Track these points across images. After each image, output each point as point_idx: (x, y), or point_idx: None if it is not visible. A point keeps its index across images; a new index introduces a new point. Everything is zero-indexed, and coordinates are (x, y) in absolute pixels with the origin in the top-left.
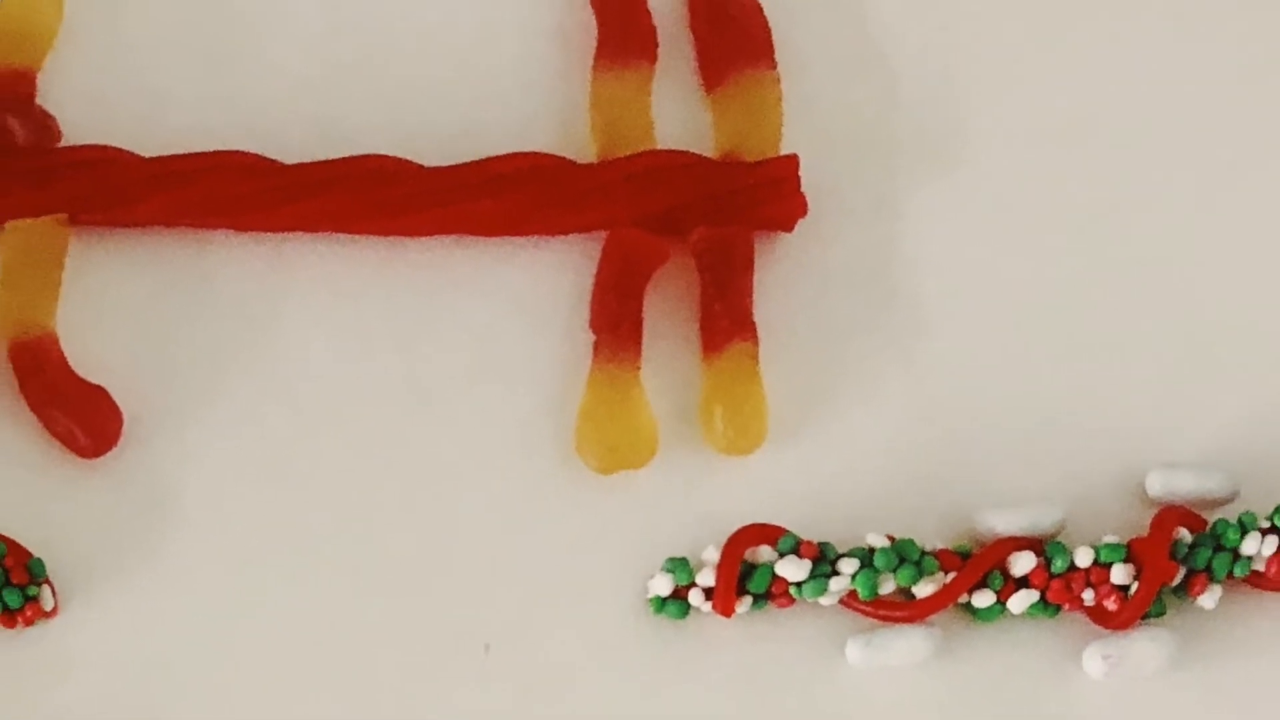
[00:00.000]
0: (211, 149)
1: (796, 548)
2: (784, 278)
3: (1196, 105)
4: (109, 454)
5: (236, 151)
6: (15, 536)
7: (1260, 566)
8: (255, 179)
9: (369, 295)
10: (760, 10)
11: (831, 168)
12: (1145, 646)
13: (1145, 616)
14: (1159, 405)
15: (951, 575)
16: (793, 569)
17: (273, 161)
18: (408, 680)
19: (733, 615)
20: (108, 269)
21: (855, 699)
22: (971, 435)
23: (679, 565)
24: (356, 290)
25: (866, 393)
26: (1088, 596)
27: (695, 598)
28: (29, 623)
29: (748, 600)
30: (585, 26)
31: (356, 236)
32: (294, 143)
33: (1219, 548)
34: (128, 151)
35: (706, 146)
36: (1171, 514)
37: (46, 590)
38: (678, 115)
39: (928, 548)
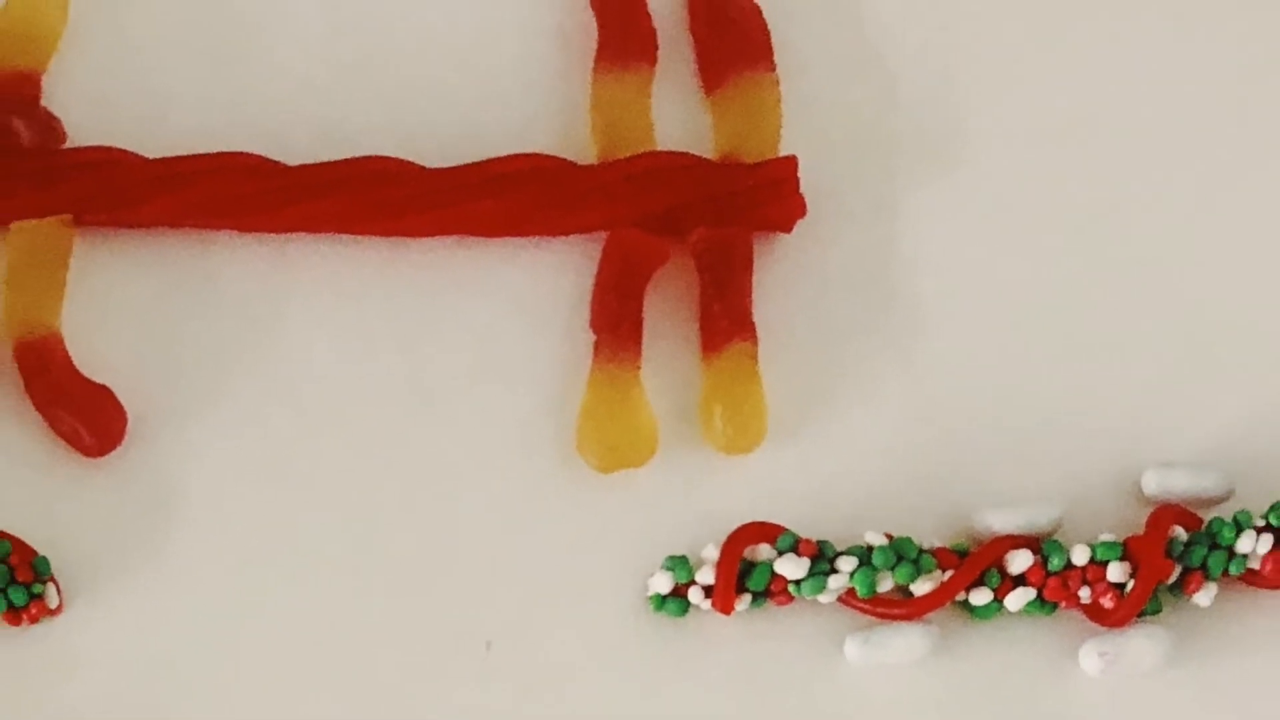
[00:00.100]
0: (215, 150)
1: (795, 546)
2: (783, 278)
3: (1194, 106)
4: (113, 453)
5: (240, 153)
6: (20, 534)
7: (1255, 564)
8: (258, 180)
9: (371, 295)
10: (759, 13)
11: (830, 169)
12: (1141, 644)
13: (1141, 614)
14: (1155, 405)
15: (949, 573)
16: (792, 567)
17: (276, 163)
18: (410, 677)
19: (732, 613)
20: (112, 269)
21: (853, 696)
22: (969, 434)
23: (679, 563)
24: (359, 290)
25: (865, 392)
26: (1084, 594)
27: (695, 595)
28: (34, 620)
29: (747, 598)
30: (586, 28)
31: (359, 237)
32: (297, 144)
33: (1214, 546)
34: (132, 153)
35: (706, 148)
36: (1167, 512)
37: (51, 588)
38: (677, 117)
39: (925, 546)
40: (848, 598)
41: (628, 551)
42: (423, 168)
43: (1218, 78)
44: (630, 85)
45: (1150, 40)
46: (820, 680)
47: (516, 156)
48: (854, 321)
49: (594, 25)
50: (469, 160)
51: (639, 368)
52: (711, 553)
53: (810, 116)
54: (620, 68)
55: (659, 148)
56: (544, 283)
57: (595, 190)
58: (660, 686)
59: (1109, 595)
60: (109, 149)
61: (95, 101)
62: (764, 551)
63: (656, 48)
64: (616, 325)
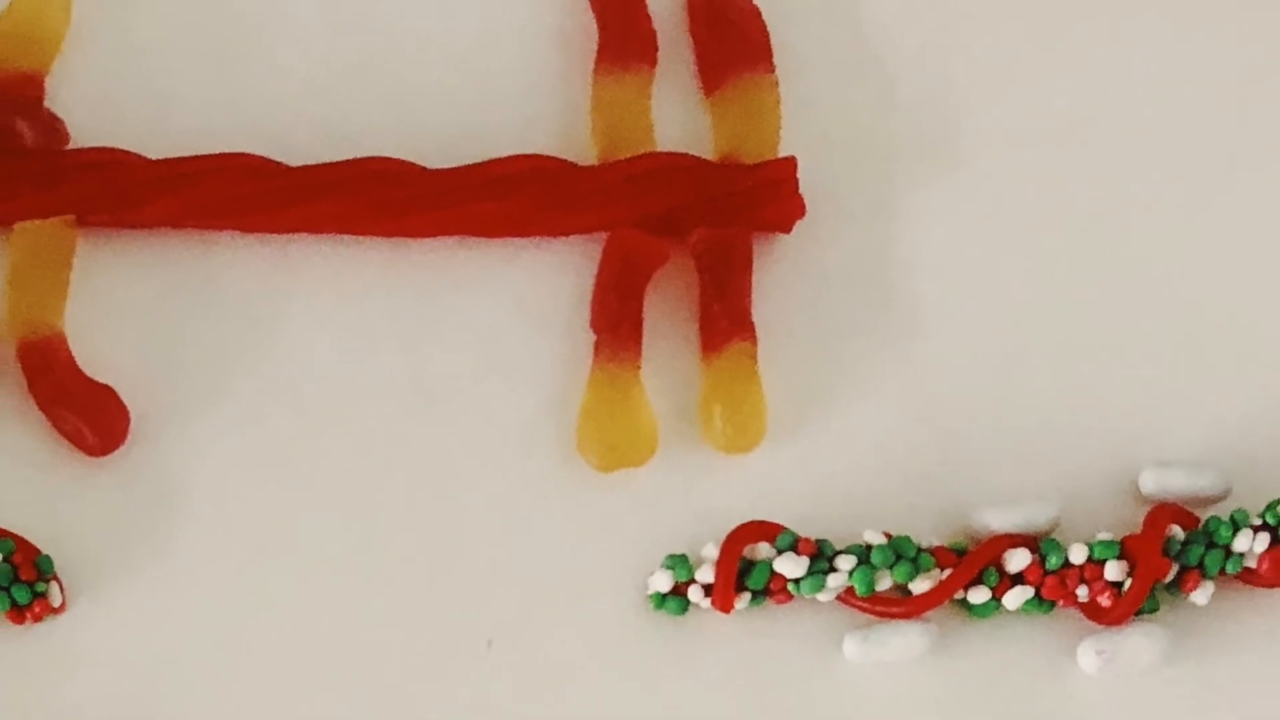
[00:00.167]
0: (217, 151)
1: (795, 545)
2: (782, 278)
3: (1191, 107)
4: (116, 452)
5: (242, 154)
6: (24, 533)
7: (1252, 563)
8: (261, 181)
9: (373, 295)
10: (759, 14)
11: (829, 170)
12: (1139, 642)
13: (1139, 612)
14: (1152, 404)
15: (947, 572)
16: (791, 566)
17: (278, 164)
18: (411, 675)
19: (732, 611)
20: (115, 270)
21: (852, 694)
22: (967, 434)
23: (679, 562)
24: (360, 291)
25: (864, 392)
26: (1082, 593)
27: (695, 594)
28: (37, 619)
29: (746, 596)
30: (586, 30)
31: (360, 238)
32: (299, 145)
33: (1211, 545)
34: (135, 154)
35: (706, 149)
36: (1164, 511)
37: (54, 586)
38: (677, 118)
39: (924, 545)
40: (847, 596)
41: (628, 550)
42: (424, 168)
43: (1215, 79)
44: (630, 86)
45: (1148, 41)
46: (819, 678)
47: (517, 157)
48: (853, 321)
49: (594, 27)
50: (470, 161)
51: (639, 367)
52: (711, 551)
53: (809, 118)
54: (620, 69)
55: (659, 149)
56: (544, 283)
57: (595, 191)
58: (660, 684)
59: (1106, 594)
60: (112, 150)
61: (98, 103)
62: (763, 550)
63: (656, 49)
64: (617, 325)
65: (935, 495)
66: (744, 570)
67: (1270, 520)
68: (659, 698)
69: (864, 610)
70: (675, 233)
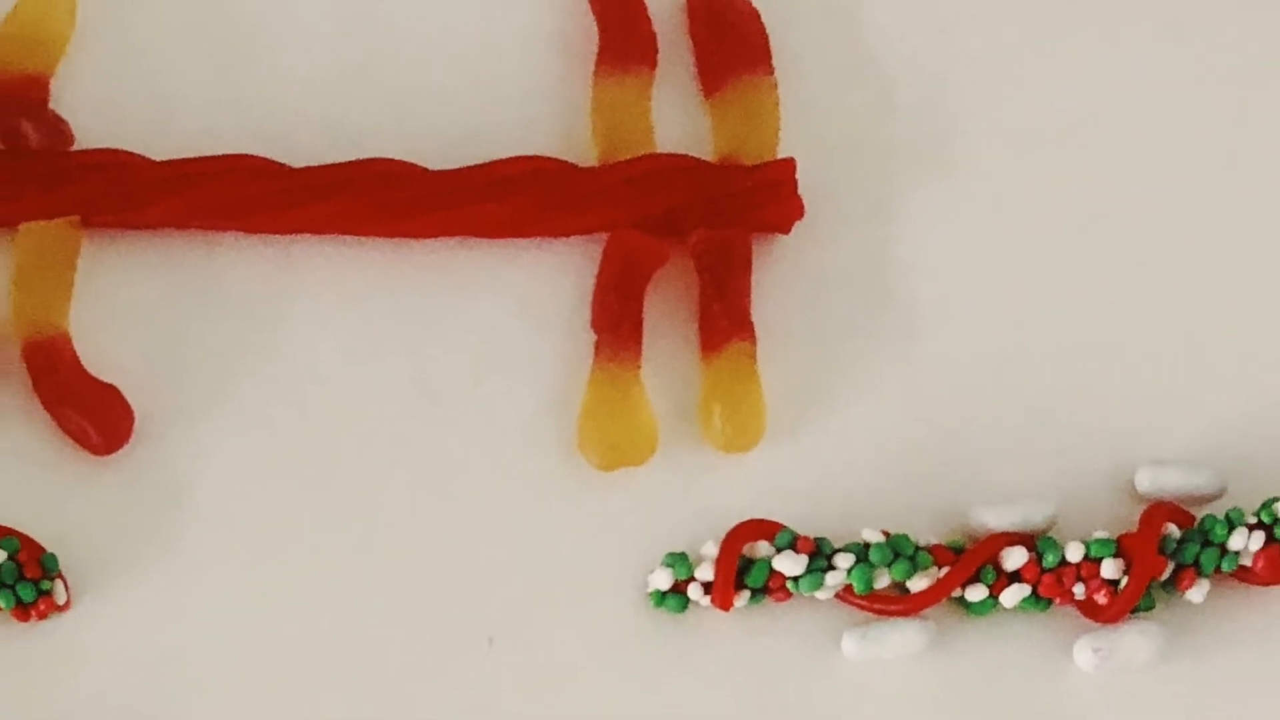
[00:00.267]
0: (221, 153)
1: (793, 543)
2: (781, 279)
3: (1186, 110)
4: (121, 451)
5: (245, 155)
6: (29, 532)
7: (1247, 561)
8: (264, 182)
9: (375, 296)
10: (758, 17)
11: (828, 171)
12: (1135, 640)
13: (1135, 610)
14: (1148, 404)
15: (945, 570)
16: (790, 564)
17: (281, 165)
18: (414, 672)
19: (731, 609)
20: (119, 270)
21: (851, 691)
22: (965, 433)
23: (678, 560)
24: (363, 291)
25: (862, 391)
26: (1078, 591)
27: (694, 592)
28: (42, 616)
29: (746, 594)
30: (587, 33)
31: (363, 238)
32: (302, 146)
33: (1207, 543)
34: (139, 155)
35: (705, 150)
36: (1160, 510)
37: (59, 585)
38: (677, 120)
39: (922, 543)
40: (845, 594)
41: (628, 548)
42: (426, 170)
43: (1210, 82)
44: (631, 88)
45: (1145, 43)
46: (818, 675)
47: (519, 159)
48: (851, 321)
49: (595, 29)
50: (472, 162)
51: (639, 367)
52: (711, 550)
53: (808, 119)
54: (621, 71)
55: (659, 150)
56: (546, 283)
57: (596, 192)
58: (660, 681)
59: (1103, 591)
60: (116, 151)
61: (102, 104)
62: (762, 548)
63: (656, 52)
64: (617, 325)
65: (933, 494)
66: (743, 568)
67: (1265, 519)
68: (659, 695)
69: (862, 608)
70: (675, 233)
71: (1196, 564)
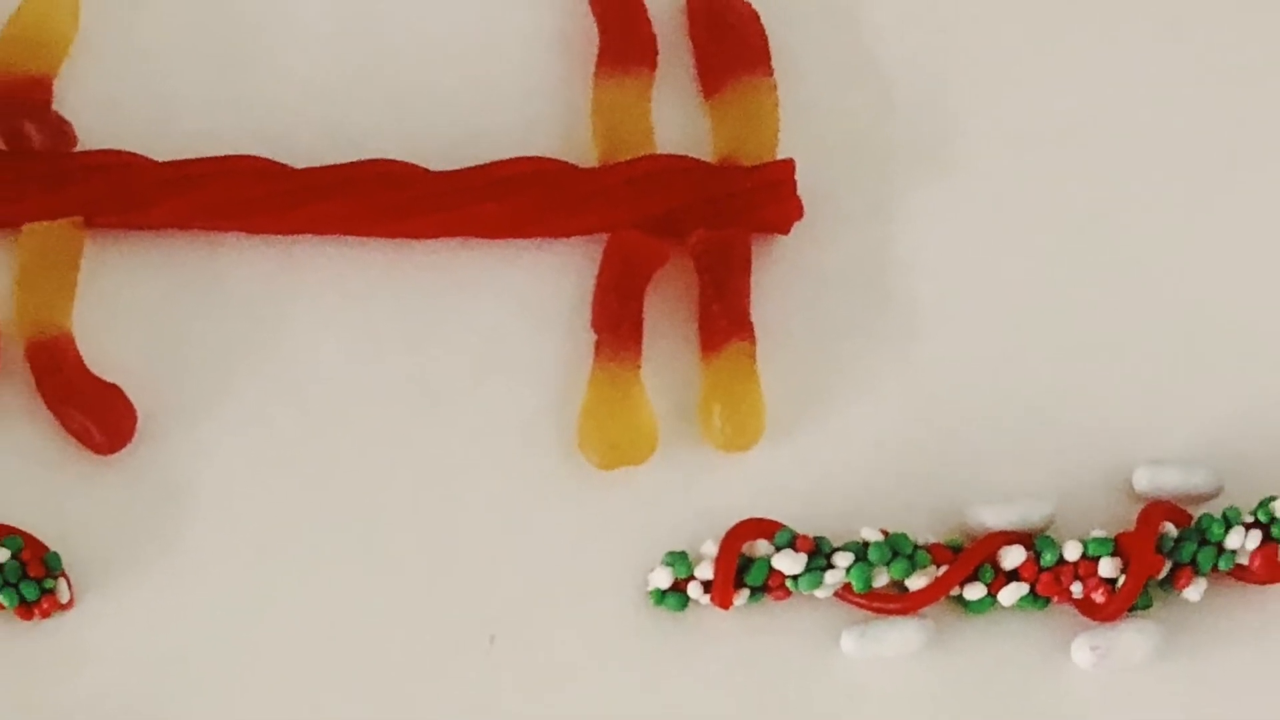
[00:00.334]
0: (223, 153)
1: (793, 542)
2: (781, 279)
3: (1183, 110)
4: (123, 450)
5: (247, 156)
6: (32, 531)
7: (1244, 560)
8: (266, 183)
9: (377, 296)
10: (757, 18)
11: (827, 172)
12: (1132, 638)
13: (1132, 609)
14: (1146, 404)
15: (943, 568)
16: (789, 562)
17: (283, 166)
18: (415, 670)
19: (731, 607)
20: (122, 270)
21: (850, 689)
22: (963, 432)
23: (678, 559)
24: (364, 291)
25: (861, 391)
26: (1076, 589)
27: (694, 590)
28: (45, 615)
29: (745, 593)
30: (587, 34)
31: (365, 239)
32: (303, 147)
33: (1204, 542)
34: (141, 156)
35: (705, 151)
36: (1158, 509)
37: (63, 583)
38: (677, 121)
39: (920, 542)
40: (844, 592)
41: (628, 547)
42: (427, 170)
43: (1209, 82)
44: (631, 90)
45: (1144, 44)
46: (817, 673)
47: (519, 160)
48: (850, 321)
49: (595, 31)
50: (473, 163)
51: (639, 367)
52: (710, 548)
53: (807, 120)
54: (621, 72)
55: (659, 151)
56: (546, 283)
57: (596, 193)
58: (660, 679)
59: (1100, 590)
60: (119, 152)
61: (105, 105)
62: (762, 547)
63: (656, 53)
64: (617, 325)
65: (931, 493)
66: (743, 567)
67: (1262, 518)
68: (659, 692)
69: (861, 606)
70: (675, 234)
71: (1193, 563)
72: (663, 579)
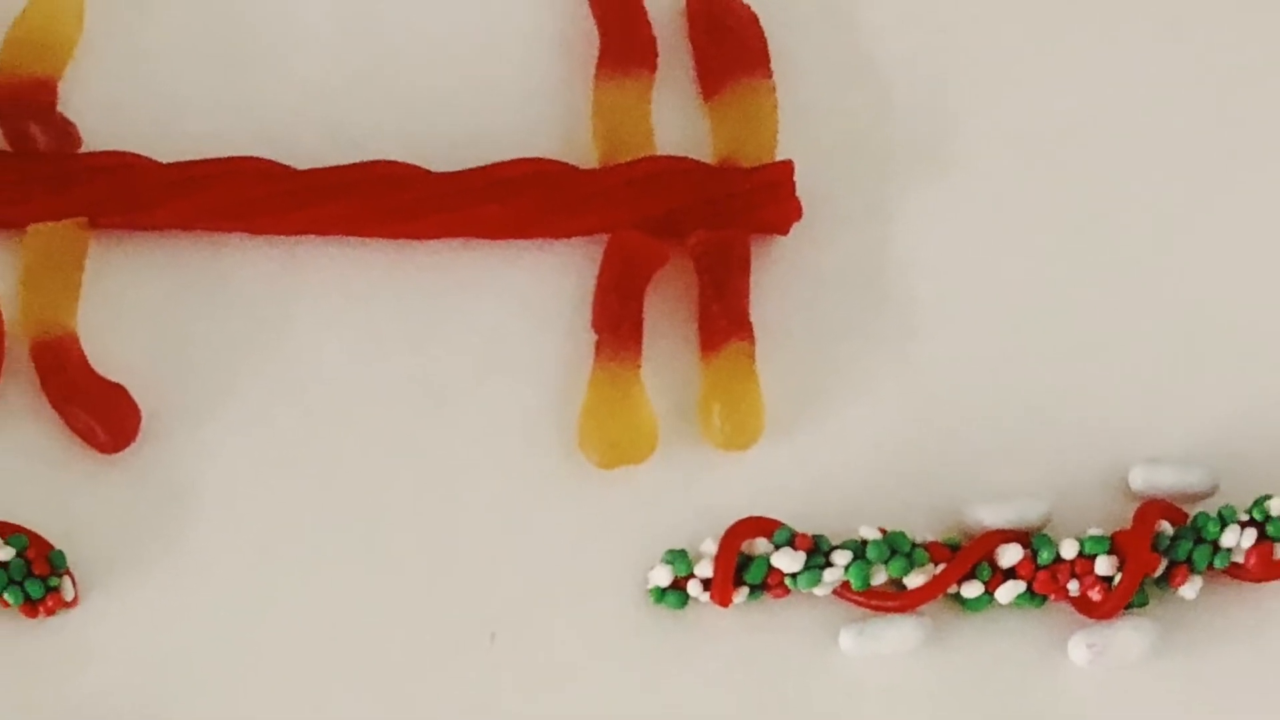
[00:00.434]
0: (227, 155)
1: (791, 540)
2: (780, 279)
3: (1180, 111)
4: (128, 449)
5: (251, 157)
6: (37, 529)
7: (1239, 558)
8: (269, 184)
9: (379, 296)
10: (756, 21)
11: (826, 173)
12: (1128, 635)
13: (1128, 606)
14: (1142, 403)
15: (941, 566)
16: (788, 560)
17: (286, 167)
18: (417, 667)
19: (730, 605)
20: (126, 271)
21: (848, 686)
22: (961, 432)
23: (678, 557)
24: (367, 291)
25: (859, 391)
26: (1073, 587)
27: (694, 588)
28: (50, 612)
29: (744, 591)
30: (588, 36)
31: (367, 240)
32: (306, 148)
33: (1199, 540)
34: (146, 157)
35: (705, 152)
36: (1154, 507)
37: (67, 581)
38: (677, 122)
39: (918, 540)
40: (842, 590)
41: (628, 545)
42: (429, 172)
43: (1207, 83)
44: (631, 91)
45: (1142, 44)
46: (816, 670)
47: (520, 161)
48: (849, 322)
49: (596, 33)
50: (474, 164)
51: (639, 366)
52: (710, 547)
53: (806, 121)
54: (621, 74)
55: (659, 152)
56: (547, 284)
57: (597, 194)
58: (660, 677)
59: (1097, 588)
60: (123, 154)
61: (110, 107)
62: (761, 545)
63: (656, 55)
64: (617, 325)
65: (929, 492)
66: (742, 565)
67: (1257, 516)
68: (659, 689)
69: (859, 604)
70: (675, 235)
71: (1189, 561)
72: (662, 577)
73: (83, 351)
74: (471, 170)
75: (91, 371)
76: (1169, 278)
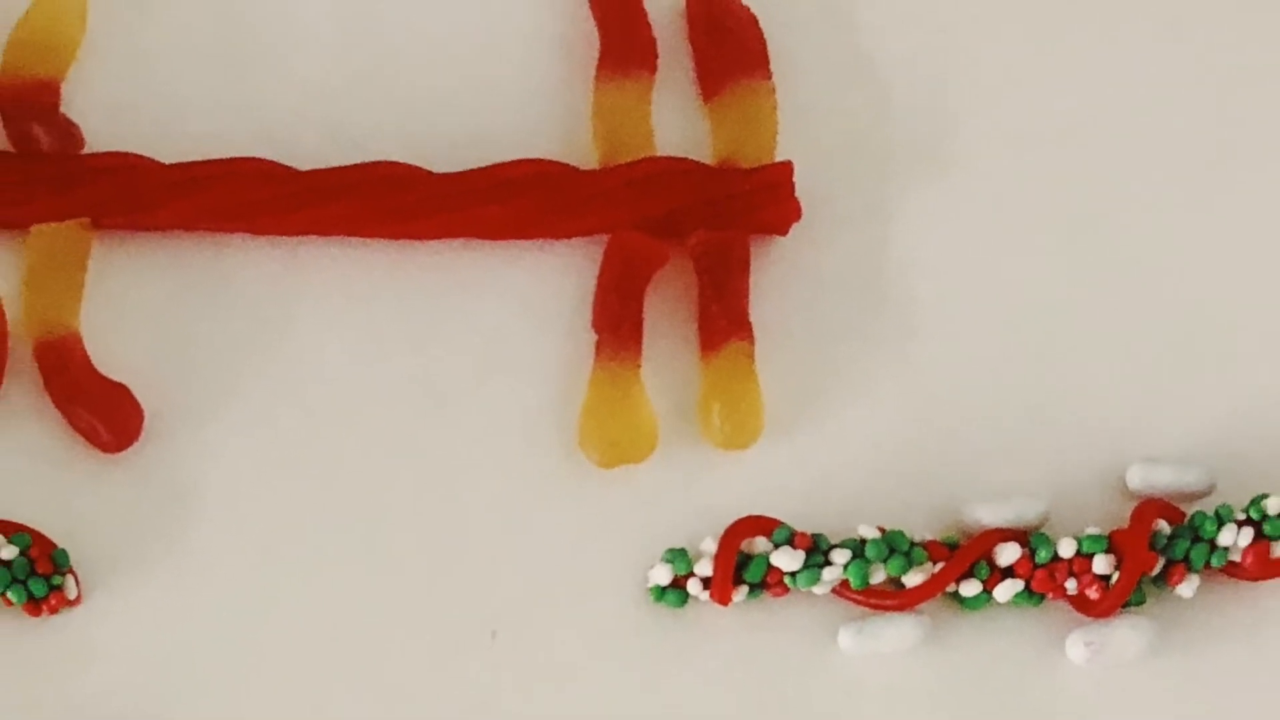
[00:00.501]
0: (229, 156)
1: (791, 539)
2: (779, 280)
3: (1179, 111)
4: (130, 449)
5: (253, 158)
6: (40, 528)
7: (1236, 557)
8: (271, 185)
9: (380, 297)
10: (756, 22)
11: (825, 174)
12: (1126, 634)
13: (1126, 605)
14: (1139, 402)
15: (940, 565)
16: (787, 559)
17: (287, 168)
18: (418, 665)
19: (729, 604)
20: (129, 271)
21: (847, 684)
22: (959, 431)
23: (678, 556)
24: (368, 292)
25: (859, 390)
26: (1070, 586)
27: (693, 587)
28: (53, 611)
29: (744, 589)
30: (588, 38)
31: (368, 240)
32: (308, 149)
33: (1197, 539)
34: (148, 158)
35: (704, 153)
36: (1151, 506)
37: (70, 580)
38: (677, 123)
39: (917, 539)
40: (841, 589)
41: (628, 544)
42: (430, 172)
43: (1207, 83)
44: (631, 93)
45: (1141, 45)
46: (815, 669)
47: (521, 162)
48: (848, 322)
49: (596, 34)
50: (475, 165)
51: (639, 366)
52: (710, 545)
53: (805, 122)
54: (621, 75)
55: (659, 153)
56: (547, 284)
57: (597, 194)
58: (660, 675)
59: (1094, 587)
60: (126, 154)
61: (112, 108)
62: (760, 544)
63: (656, 56)
64: (617, 325)
65: (928, 491)
66: (741, 564)
67: (1254, 515)
68: (658, 688)
69: (858, 603)
70: (675, 235)
71: (1186, 559)
72: (662, 575)
73: (86, 351)
74: (472, 171)
75: (94, 371)
76: (1167, 278)
